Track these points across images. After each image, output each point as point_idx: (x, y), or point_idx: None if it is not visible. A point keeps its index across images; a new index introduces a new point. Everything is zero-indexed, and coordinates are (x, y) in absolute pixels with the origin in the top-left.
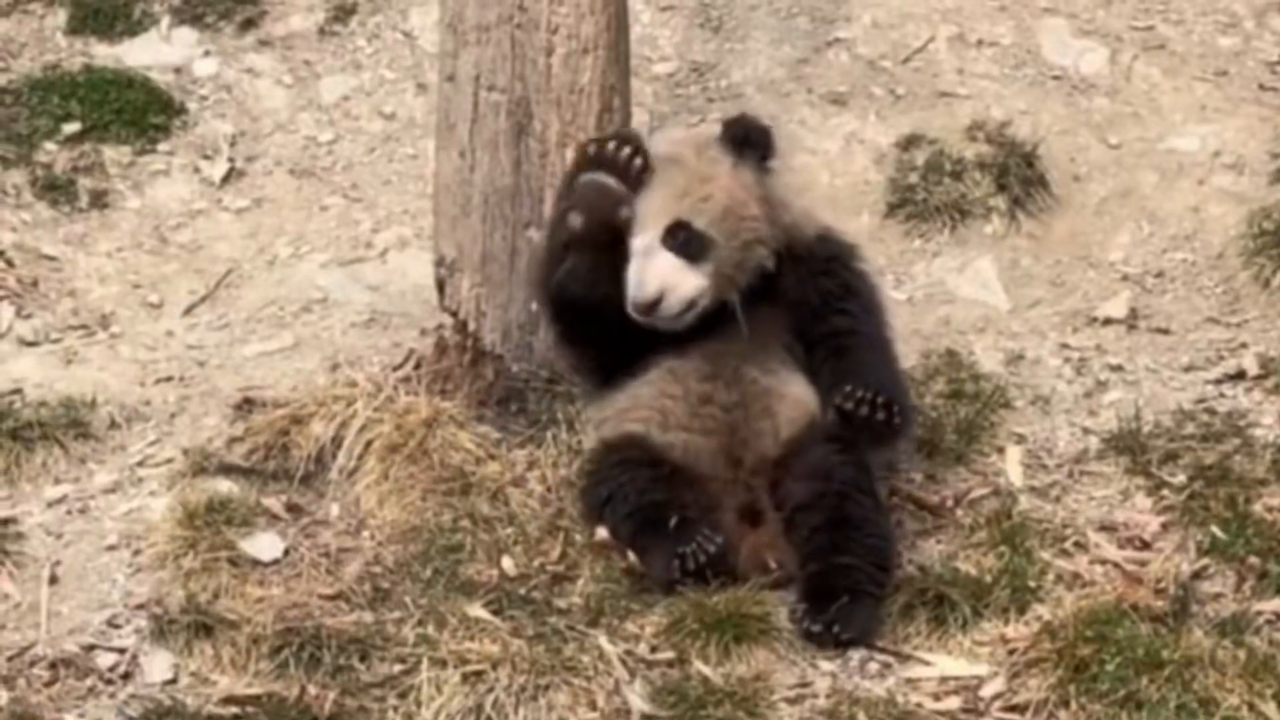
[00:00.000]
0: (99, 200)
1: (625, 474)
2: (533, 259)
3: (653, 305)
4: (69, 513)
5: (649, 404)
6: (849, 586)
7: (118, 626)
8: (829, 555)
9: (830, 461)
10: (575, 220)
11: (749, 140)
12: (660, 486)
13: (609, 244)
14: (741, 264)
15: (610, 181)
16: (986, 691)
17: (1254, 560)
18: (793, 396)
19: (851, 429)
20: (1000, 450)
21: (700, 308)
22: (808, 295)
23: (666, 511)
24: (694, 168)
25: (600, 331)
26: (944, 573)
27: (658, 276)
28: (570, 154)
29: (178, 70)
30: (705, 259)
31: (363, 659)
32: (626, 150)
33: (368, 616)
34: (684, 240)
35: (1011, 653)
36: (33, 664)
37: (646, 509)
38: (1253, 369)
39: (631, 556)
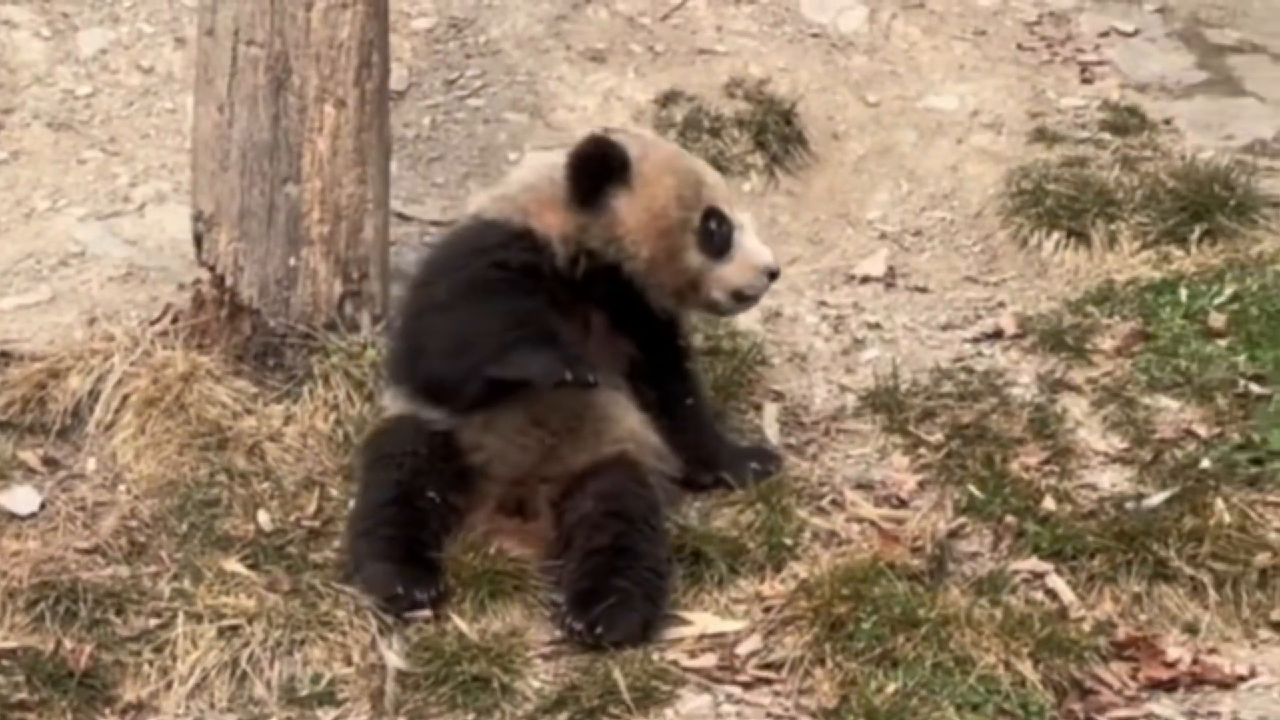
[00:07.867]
0: None
1: (408, 442)
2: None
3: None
4: None
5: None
6: (619, 599)
7: None
8: (604, 576)
9: (627, 490)
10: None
11: None
12: (432, 470)
13: None
14: None
15: None
16: (742, 649)
17: (1010, 519)
18: (623, 424)
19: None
20: (757, 407)
21: None
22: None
23: (420, 527)
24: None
25: None
26: (700, 530)
27: None
28: (328, 109)
29: None
30: None
31: (119, 613)
32: None
33: (124, 571)
34: None
35: (767, 610)
36: None
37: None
38: (1010, 328)
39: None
